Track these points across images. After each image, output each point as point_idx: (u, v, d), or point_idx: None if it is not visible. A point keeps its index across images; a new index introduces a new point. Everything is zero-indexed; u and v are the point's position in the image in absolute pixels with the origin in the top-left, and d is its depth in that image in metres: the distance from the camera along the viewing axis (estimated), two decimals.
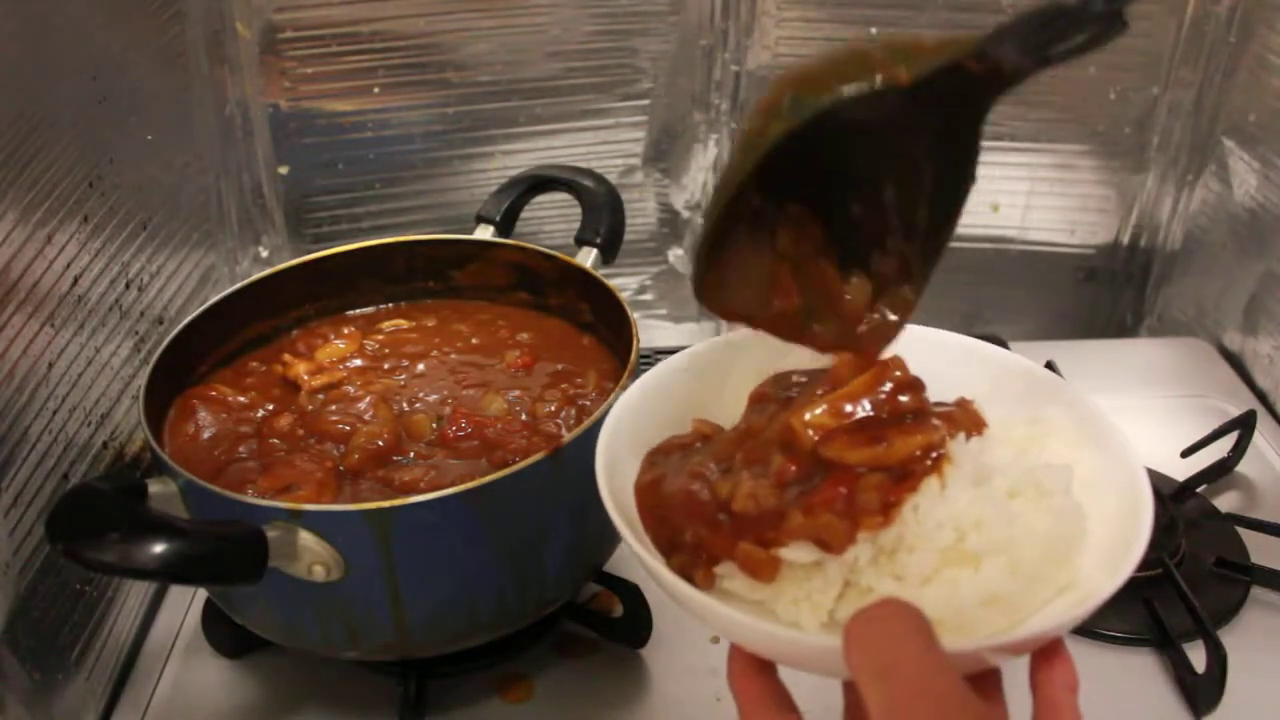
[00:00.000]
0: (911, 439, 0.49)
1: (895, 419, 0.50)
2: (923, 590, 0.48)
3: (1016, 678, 0.48)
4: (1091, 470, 0.53)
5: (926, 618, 0.41)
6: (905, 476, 0.48)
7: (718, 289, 0.53)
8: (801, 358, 0.59)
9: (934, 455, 0.49)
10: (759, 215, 0.52)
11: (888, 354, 0.53)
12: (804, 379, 0.57)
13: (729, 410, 0.59)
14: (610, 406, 0.58)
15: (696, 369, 0.60)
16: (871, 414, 0.50)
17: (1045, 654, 0.47)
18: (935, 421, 0.50)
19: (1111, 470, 0.52)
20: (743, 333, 0.61)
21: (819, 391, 0.52)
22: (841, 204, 0.53)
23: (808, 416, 0.49)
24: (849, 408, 0.50)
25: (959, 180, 0.50)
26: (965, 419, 0.52)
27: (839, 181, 0.52)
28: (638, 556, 0.49)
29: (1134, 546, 0.47)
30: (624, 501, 0.53)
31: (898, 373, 0.52)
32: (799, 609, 0.49)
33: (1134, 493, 0.50)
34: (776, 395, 0.56)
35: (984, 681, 0.48)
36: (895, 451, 0.49)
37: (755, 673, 0.47)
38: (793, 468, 0.50)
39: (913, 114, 0.47)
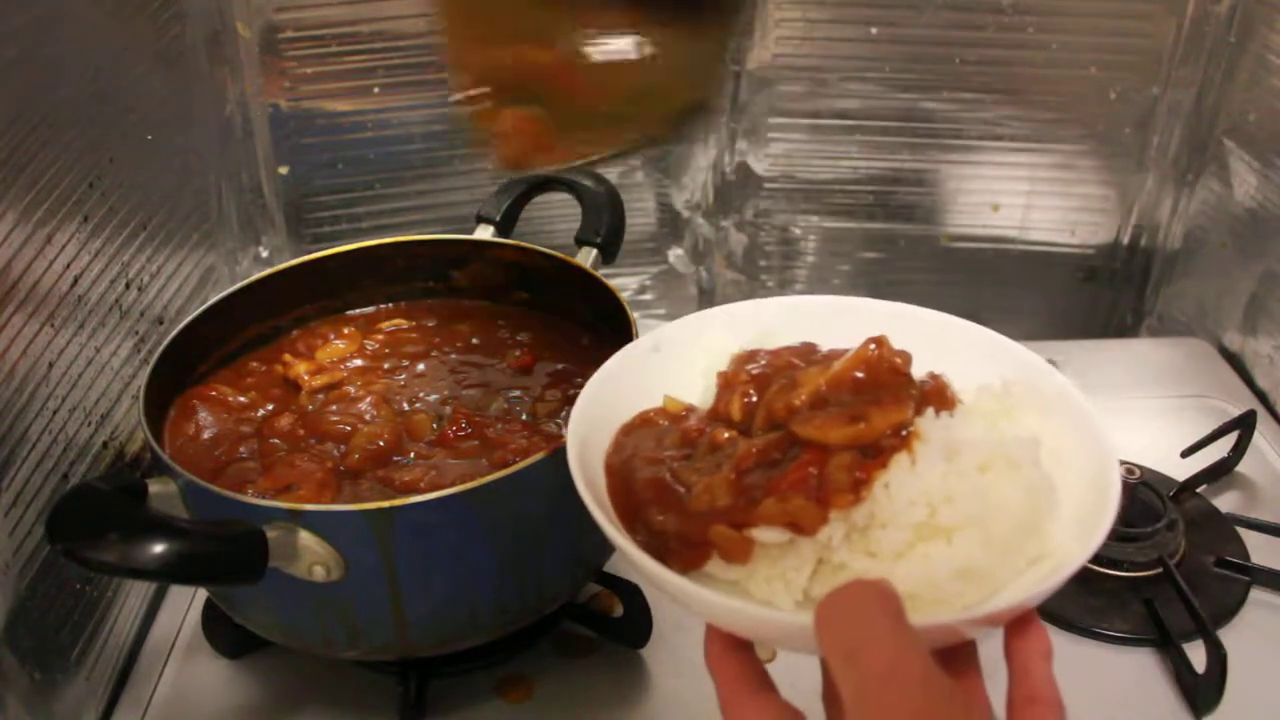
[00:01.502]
0: (889, 416, 0.49)
1: (871, 395, 0.51)
2: (896, 566, 0.48)
3: (991, 650, 0.49)
4: (1059, 441, 0.53)
5: (897, 597, 0.41)
6: (876, 454, 0.49)
7: None
8: (763, 337, 0.60)
9: (904, 431, 0.49)
10: None
11: (875, 332, 0.53)
12: (768, 358, 0.57)
13: (699, 388, 0.60)
14: None
15: (665, 349, 0.61)
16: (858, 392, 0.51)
17: (1019, 624, 0.47)
18: (909, 398, 0.51)
19: (1079, 441, 0.53)
20: (711, 313, 0.62)
21: (808, 372, 0.53)
22: None
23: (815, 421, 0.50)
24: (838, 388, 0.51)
25: None
26: (937, 395, 0.53)
27: None
28: (613, 540, 0.49)
29: (1103, 515, 0.48)
30: (598, 485, 0.54)
31: (873, 348, 0.52)
32: (773, 588, 0.49)
33: (1101, 462, 0.51)
34: (746, 378, 0.56)
35: (960, 654, 0.48)
36: (874, 429, 0.49)
37: (732, 652, 0.48)
38: (754, 451, 0.50)
39: None
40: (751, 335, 0.60)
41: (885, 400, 0.50)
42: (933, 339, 0.57)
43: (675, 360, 0.61)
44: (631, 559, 0.48)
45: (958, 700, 0.40)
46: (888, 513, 0.48)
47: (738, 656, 0.47)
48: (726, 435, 0.54)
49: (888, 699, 0.39)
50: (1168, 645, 0.76)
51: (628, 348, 0.61)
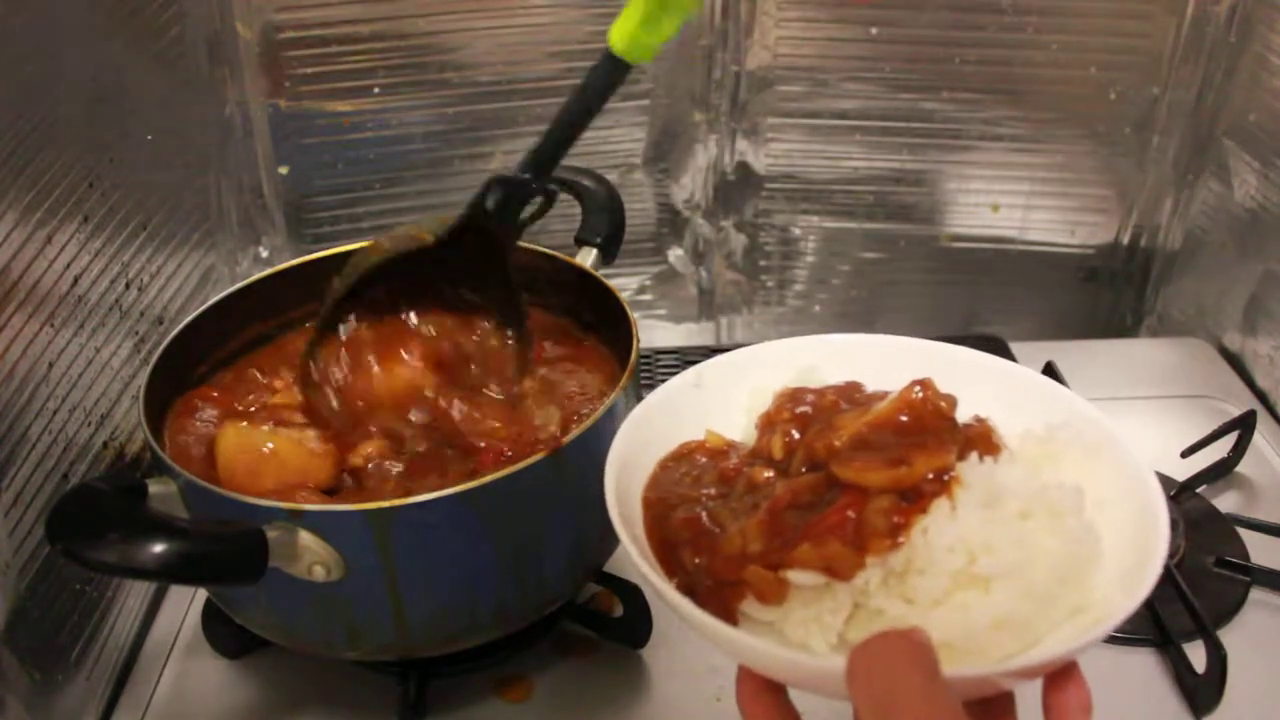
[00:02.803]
0: (931, 460, 0.48)
1: (914, 439, 0.50)
2: (933, 613, 0.47)
3: (1029, 699, 0.48)
4: (1105, 488, 0.52)
5: (930, 648, 0.41)
6: (915, 498, 0.48)
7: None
8: (807, 375, 0.59)
9: (945, 477, 0.49)
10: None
11: (921, 373, 0.53)
12: (812, 398, 0.56)
13: (741, 425, 0.59)
14: (609, 408, 0.57)
15: (706, 385, 0.60)
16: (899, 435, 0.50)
17: (1058, 676, 0.46)
18: (952, 443, 0.50)
19: (1125, 489, 0.52)
20: (754, 349, 0.61)
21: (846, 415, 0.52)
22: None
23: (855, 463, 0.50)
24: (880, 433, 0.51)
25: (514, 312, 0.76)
26: (982, 440, 0.52)
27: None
28: (647, 577, 0.49)
29: (1149, 568, 0.47)
30: (634, 520, 0.53)
31: (918, 391, 0.52)
32: (808, 630, 0.49)
33: (1149, 512, 0.50)
34: (788, 416, 0.56)
35: (996, 705, 0.47)
36: (915, 473, 0.48)
37: (765, 694, 0.47)
38: (788, 496, 0.50)
39: (450, 261, 0.73)
40: (796, 373, 0.59)
41: (928, 444, 0.49)
42: (979, 381, 0.57)
43: (718, 396, 0.60)
44: (666, 598, 0.48)
45: None
46: (926, 559, 0.47)
47: (770, 699, 0.47)
48: (765, 475, 0.54)
49: None
50: (1168, 645, 0.76)
51: (669, 382, 0.60)
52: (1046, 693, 0.46)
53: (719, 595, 0.50)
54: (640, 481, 0.56)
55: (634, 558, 0.49)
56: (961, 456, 0.50)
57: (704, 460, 0.57)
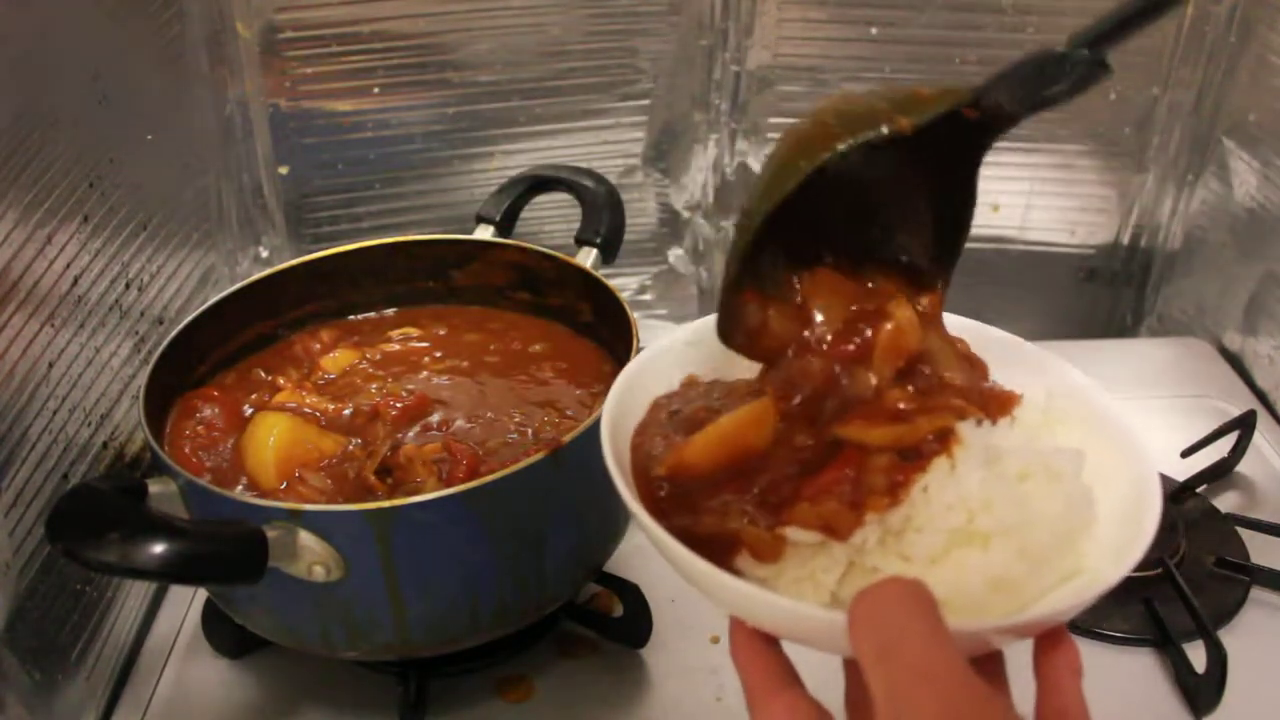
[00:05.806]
0: (934, 419, 0.48)
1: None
2: (930, 571, 0.47)
3: (1020, 664, 0.48)
4: (1101, 459, 0.52)
5: (932, 596, 0.40)
6: (915, 458, 0.48)
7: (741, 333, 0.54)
8: None
9: (945, 435, 0.48)
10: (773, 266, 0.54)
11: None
12: None
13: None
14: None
15: (702, 343, 0.60)
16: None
17: (1050, 639, 0.46)
18: (955, 401, 0.50)
19: (1121, 460, 0.52)
20: None
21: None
22: (848, 252, 0.55)
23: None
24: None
25: (959, 221, 0.55)
26: (994, 400, 0.52)
27: (842, 232, 0.54)
28: (641, 524, 0.48)
29: (1141, 536, 0.47)
30: (627, 465, 0.53)
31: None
32: (801, 589, 0.48)
33: (1143, 483, 0.50)
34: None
35: (987, 665, 0.47)
36: (917, 431, 0.48)
37: (760, 646, 0.46)
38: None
39: (914, 160, 0.52)
40: None
41: (930, 402, 0.49)
42: (979, 349, 0.57)
43: (713, 354, 0.59)
44: (660, 544, 0.47)
45: (996, 705, 0.38)
46: (924, 516, 0.47)
47: (765, 651, 0.46)
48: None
49: (922, 698, 0.37)
50: (1168, 645, 0.76)
51: (667, 338, 0.60)
52: (1038, 654, 0.46)
53: (710, 550, 0.49)
54: (632, 427, 0.55)
55: (626, 500, 0.48)
56: (963, 416, 0.50)
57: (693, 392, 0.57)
